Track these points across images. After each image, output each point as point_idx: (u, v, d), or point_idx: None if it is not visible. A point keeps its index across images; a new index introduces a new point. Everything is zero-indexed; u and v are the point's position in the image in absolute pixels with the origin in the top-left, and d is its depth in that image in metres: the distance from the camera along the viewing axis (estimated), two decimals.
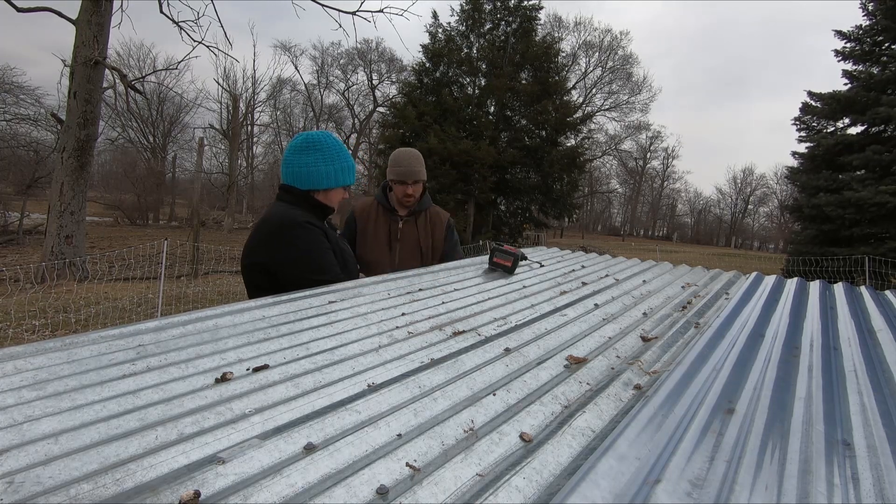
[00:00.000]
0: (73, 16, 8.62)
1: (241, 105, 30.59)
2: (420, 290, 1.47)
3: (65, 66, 9.03)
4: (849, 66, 13.01)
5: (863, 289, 1.94)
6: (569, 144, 15.28)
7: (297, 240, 1.54)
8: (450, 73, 14.55)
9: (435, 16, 14.41)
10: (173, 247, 11.19)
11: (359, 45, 29.26)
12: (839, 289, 1.94)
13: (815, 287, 1.96)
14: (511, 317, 1.30)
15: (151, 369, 0.80)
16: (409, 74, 15.93)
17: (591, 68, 33.64)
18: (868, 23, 12.69)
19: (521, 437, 0.72)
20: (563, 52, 21.70)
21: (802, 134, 13.72)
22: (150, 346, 0.89)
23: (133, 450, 0.59)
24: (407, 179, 2.21)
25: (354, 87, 35.70)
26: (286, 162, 1.65)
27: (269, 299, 1.21)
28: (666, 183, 53.41)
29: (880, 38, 12.55)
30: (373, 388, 0.81)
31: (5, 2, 8.54)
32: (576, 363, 1.03)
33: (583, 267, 2.10)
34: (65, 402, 0.68)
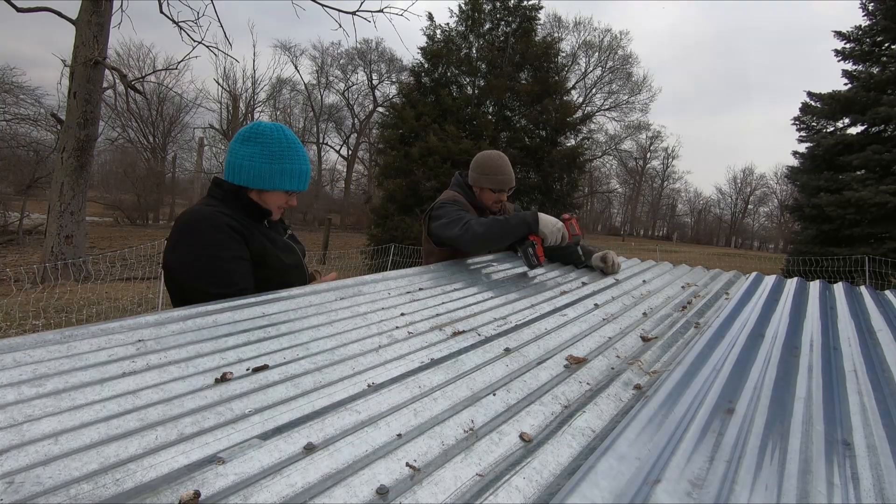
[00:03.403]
0: (73, 16, 8.62)
1: (241, 105, 30.63)
2: (420, 289, 1.47)
3: (65, 66, 9.03)
4: (849, 66, 13.00)
5: (863, 289, 1.94)
6: (569, 144, 15.27)
7: (194, 236, 1.32)
8: (448, 74, 14.55)
9: (430, 17, 14.41)
10: None
11: (359, 45, 29.28)
12: (839, 289, 1.94)
13: (814, 287, 1.96)
14: (511, 317, 1.30)
15: (151, 368, 0.80)
16: (408, 75, 15.90)
17: (590, 68, 33.66)
18: (868, 23, 12.69)
19: (521, 437, 0.72)
20: (562, 52, 21.71)
21: (802, 134, 13.71)
22: (150, 343, 0.89)
23: (133, 450, 0.59)
24: (505, 188, 2.19)
25: (354, 87, 35.74)
26: (228, 151, 1.46)
27: (270, 295, 1.21)
28: (666, 183, 53.39)
29: (880, 38, 12.54)
30: (373, 388, 0.81)
31: (5, 2, 8.55)
32: (576, 363, 1.03)
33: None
34: (65, 401, 0.68)
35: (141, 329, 0.94)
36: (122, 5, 9.21)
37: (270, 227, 1.53)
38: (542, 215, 1.82)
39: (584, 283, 1.77)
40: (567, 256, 2.09)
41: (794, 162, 14.13)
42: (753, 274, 2.18)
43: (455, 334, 1.12)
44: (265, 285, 1.38)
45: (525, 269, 1.89)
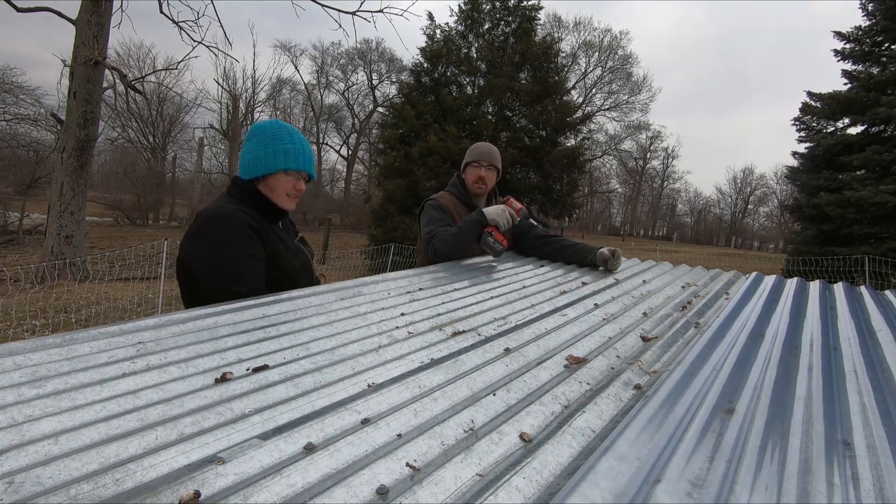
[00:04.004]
0: (73, 16, 8.62)
1: (241, 105, 30.58)
2: (420, 289, 1.47)
3: (65, 66, 9.03)
4: (848, 67, 13.01)
5: (863, 289, 1.94)
6: (569, 144, 15.26)
7: (212, 233, 1.35)
8: (448, 74, 14.54)
9: (430, 17, 14.41)
10: (173, 247, 11.17)
11: (359, 46, 29.28)
12: (839, 289, 1.94)
13: (814, 287, 1.96)
14: (511, 317, 1.30)
15: (151, 368, 0.80)
16: (408, 75, 15.90)
17: (590, 68, 33.64)
18: (868, 23, 12.69)
19: (521, 437, 0.72)
20: (562, 52, 21.72)
21: (802, 134, 13.71)
22: (150, 344, 0.89)
23: (133, 450, 0.59)
24: (482, 161, 2.24)
25: (354, 87, 35.77)
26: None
27: (270, 297, 1.21)
28: (666, 183, 53.35)
29: (880, 38, 12.55)
30: (373, 388, 0.81)
31: (5, 2, 8.55)
32: (576, 363, 1.03)
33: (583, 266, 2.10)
34: (65, 401, 0.68)
35: (141, 332, 0.94)
36: (122, 5, 9.22)
37: (283, 229, 1.57)
38: (486, 208, 2.01)
39: (584, 283, 1.77)
40: (528, 236, 2.23)
41: (794, 162, 14.14)
42: (753, 274, 2.18)
43: (455, 334, 1.12)
44: (276, 286, 1.40)
45: (525, 269, 1.90)
